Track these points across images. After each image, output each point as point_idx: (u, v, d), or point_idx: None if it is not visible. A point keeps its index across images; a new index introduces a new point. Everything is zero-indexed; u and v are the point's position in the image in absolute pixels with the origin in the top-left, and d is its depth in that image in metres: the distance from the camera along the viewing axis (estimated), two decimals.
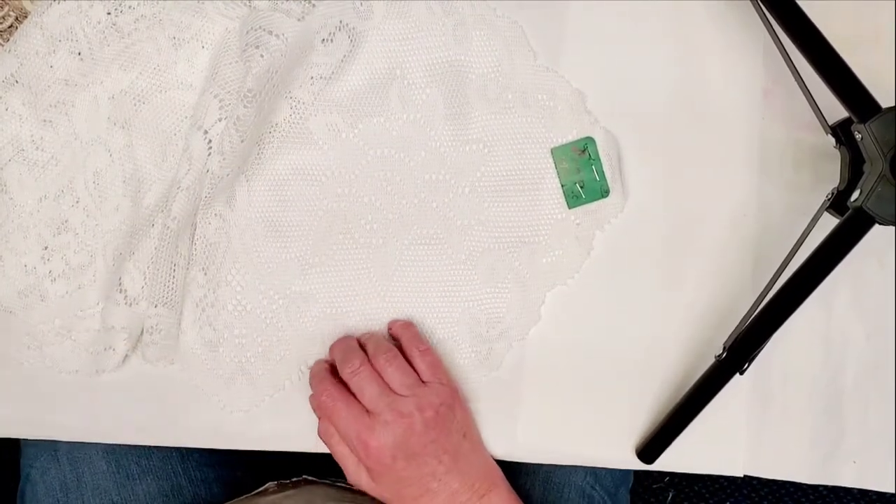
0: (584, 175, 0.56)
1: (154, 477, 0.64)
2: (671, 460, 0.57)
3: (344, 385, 0.53)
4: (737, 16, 0.58)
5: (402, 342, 0.55)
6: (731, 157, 0.58)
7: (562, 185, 0.56)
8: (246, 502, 0.61)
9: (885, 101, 0.49)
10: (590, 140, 0.56)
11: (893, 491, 0.59)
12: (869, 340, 0.59)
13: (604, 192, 0.56)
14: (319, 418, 0.54)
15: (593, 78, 0.57)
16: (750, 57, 0.58)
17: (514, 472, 0.60)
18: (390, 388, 0.52)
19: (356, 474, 0.53)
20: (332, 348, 0.56)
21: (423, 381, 0.53)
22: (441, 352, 0.57)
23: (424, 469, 0.52)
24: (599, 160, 0.56)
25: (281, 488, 0.63)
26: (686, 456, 0.58)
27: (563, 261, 0.57)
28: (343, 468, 0.54)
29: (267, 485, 0.64)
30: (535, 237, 0.57)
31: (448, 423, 0.53)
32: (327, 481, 0.64)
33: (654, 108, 0.58)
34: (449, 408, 0.53)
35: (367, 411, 0.52)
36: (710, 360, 0.55)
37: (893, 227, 0.49)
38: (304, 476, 0.64)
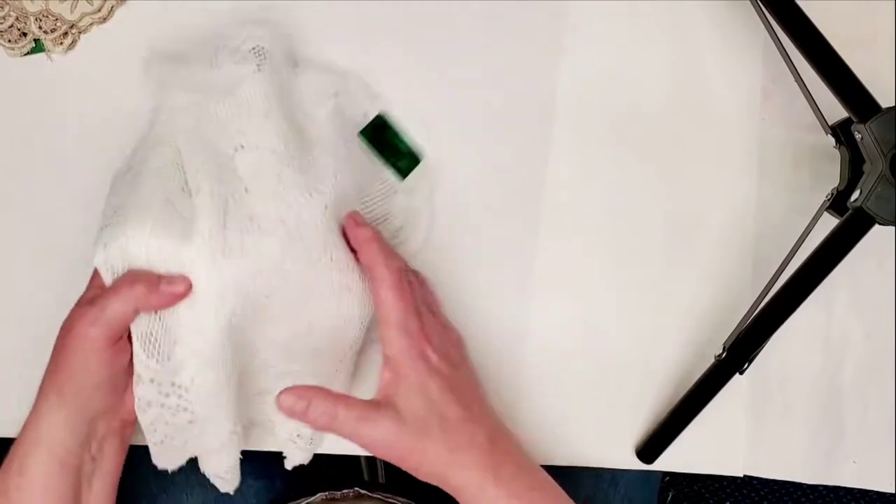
0: (395, 148, 0.57)
1: (201, 488, 0.62)
2: (671, 460, 0.57)
3: None
4: (736, 16, 0.58)
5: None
6: (731, 158, 0.58)
7: (384, 164, 0.57)
8: None
9: (884, 101, 0.49)
10: (380, 116, 0.57)
11: (893, 491, 0.59)
12: (868, 340, 0.59)
13: (418, 158, 0.57)
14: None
15: (593, 78, 0.57)
16: (749, 57, 0.58)
17: None
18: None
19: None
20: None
21: None
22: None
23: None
24: (397, 131, 0.57)
25: (330, 500, 0.62)
26: (686, 456, 0.57)
27: (410, 233, 0.57)
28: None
29: (317, 495, 0.62)
30: (386, 219, 0.57)
31: None
32: (378, 495, 0.63)
33: (654, 109, 0.58)
34: None
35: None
36: (710, 360, 0.55)
37: (893, 227, 0.50)
38: (355, 488, 0.63)
